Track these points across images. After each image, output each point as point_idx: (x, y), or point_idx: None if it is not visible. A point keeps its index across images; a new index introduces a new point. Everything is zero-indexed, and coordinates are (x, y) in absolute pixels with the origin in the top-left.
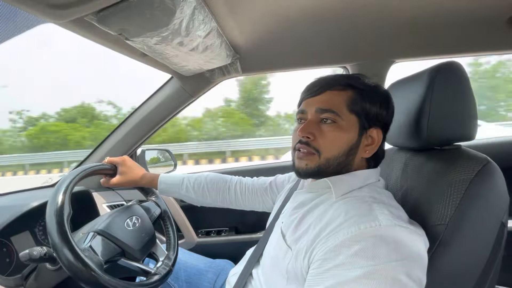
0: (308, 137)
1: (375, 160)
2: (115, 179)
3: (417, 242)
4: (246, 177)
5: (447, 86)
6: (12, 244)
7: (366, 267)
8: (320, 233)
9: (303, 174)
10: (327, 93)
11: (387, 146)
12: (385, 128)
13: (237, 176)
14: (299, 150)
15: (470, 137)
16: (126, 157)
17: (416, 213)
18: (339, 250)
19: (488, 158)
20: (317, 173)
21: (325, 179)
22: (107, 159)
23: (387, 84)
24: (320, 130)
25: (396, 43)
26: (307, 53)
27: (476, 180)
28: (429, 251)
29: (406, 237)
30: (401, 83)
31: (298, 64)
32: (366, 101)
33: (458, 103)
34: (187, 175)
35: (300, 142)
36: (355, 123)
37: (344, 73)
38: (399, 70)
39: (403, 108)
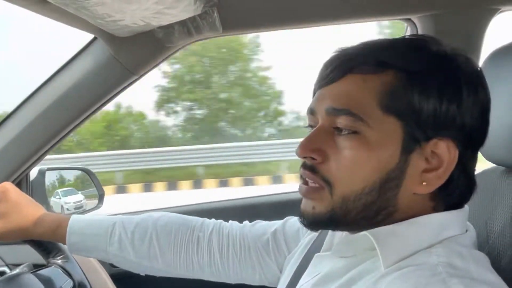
0: (314, 159)
1: (449, 198)
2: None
3: None
4: (230, 222)
5: None
6: None
7: None
8: None
9: (308, 223)
10: (349, 79)
11: (483, 164)
12: (468, 139)
13: (212, 220)
14: (304, 182)
15: None
16: (8, 185)
17: None
18: None
19: None
20: (330, 223)
21: (365, 233)
22: None
23: (484, 54)
24: (334, 146)
25: None
26: None
27: None
28: None
29: None
30: (509, 52)
31: (320, 16)
32: (416, 91)
33: None
34: (121, 218)
35: (304, 166)
36: (395, 132)
37: (407, 33)
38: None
39: None
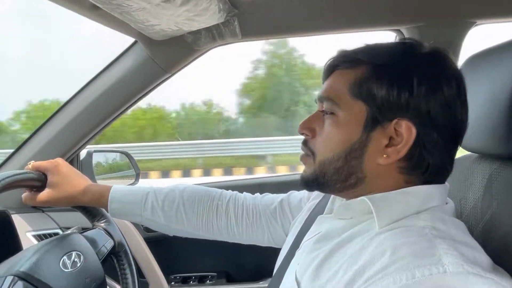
0: (307, 134)
1: (417, 173)
2: (44, 194)
3: None
4: (244, 193)
5: None
6: None
7: None
8: (355, 279)
9: (302, 183)
10: (334, 74)
11: (462, 152)
12: (425, 122)
13: (229, 191)
14: (302, 152)
15: None
16: (60, 161)
17: (506, 256)
18: None
19: None
20: (315, 183)
21: (363, 198)
22: (32, 164)
23: (462, 60)
24: (322, 125)
25: None
26: (340, 9)
27: None
28: None
29: None
30: (485, 56)
31: (325, 25)
32: (375, 79)
33: None
34: (153, 189)
35: (303, 141)
36: (360, 112)
37: (397, 38)
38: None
39: (488, 94)
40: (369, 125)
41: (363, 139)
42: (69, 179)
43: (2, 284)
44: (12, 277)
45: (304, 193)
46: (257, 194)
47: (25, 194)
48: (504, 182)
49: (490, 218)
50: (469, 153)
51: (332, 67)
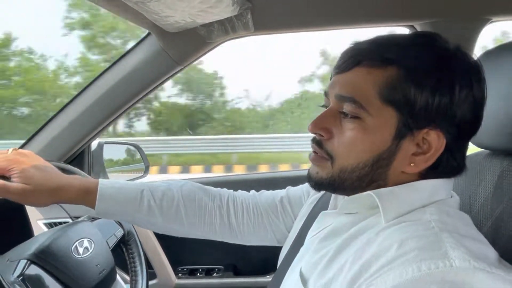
0: (322, 135)
1: (439, 174)
2: (18, 187)
3: None
4: (239, 191)
5: None
6: None
7: None
8: (361, 272)
9: (313, 184)
10: (357, 71)
11: (474, 148)
12: (456, 129)
13: (225, 189)
14: (313, 151)
15: None
16: (26, 152)
17: None
18: None
19: None
20: (330, 186)
21: (369, 192)
22: None
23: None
24: (339, 126)
25: None
26: (354, 3)
27: None
28: None
29: (491, 286)
30: (501, 52)
31: (337, 20)
32: (412, 86)
33: None
34: (147, 185)
35: (313, 140)
36: (391, 120)
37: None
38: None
39: (500, 91)
40: (400, 133)
41: (392, 149)
42: (43, 174)
43: (15, 268)
44: (25, 261)
45: (303, 188)
46: (254, 192)
47: None
48: None
49: (500, 215)
50: (481, 149)
51: (355, 61)
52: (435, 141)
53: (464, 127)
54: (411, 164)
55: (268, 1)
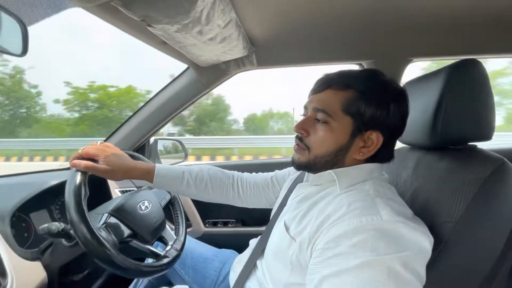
0: (302, 133)
1: (377, 161)
2: (102, 167)
3: (418, 237)
4: (245, 173)
5: (465, 83)
6: (31, 220)
7: (364, 257)
8: (322, 223)
9: (296, 165)
10: (327, 92)
11: (400, 145)
12: (389, 131)
13: (235, 171)
14: (296, 144)
15: (487, 136)
16: (107, 147)
17: (425, 212)
18: (340, 240)
19: (505, 158)
20: (307, 167)
21: (330, 171)
22: (82, 150)
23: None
24: (314, 128)
25: (414, 41)
26: (324, 48)
27: (491, 179)
28: (435, 249)
29: (406, 233)
30: (418, 81)
31: (313, 59)
32: (362, 103)
33: (476, 101)
34: (187, 168)
35: (296, 136)
36: (348, 125)
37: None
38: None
39: (418, 106)
40: (354, 133)
41: (348, 143)
42: (120, 160)
43: (100, 218)
44: (107, 214)
45: (286, 171)
46: (254, 173)
47: (88, 164)
48: (426, 165)
49: (416, 188)
50: (404, 145)
51: (326, 85)
52: (375, 139)
53: (394, 130)
54: (360, 154)
55: (266, 48)
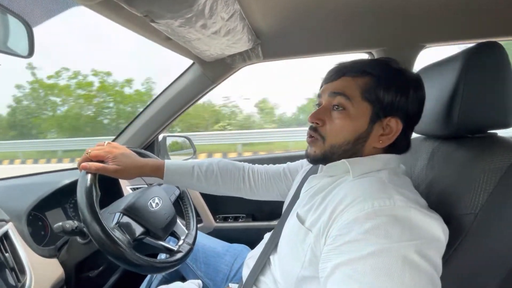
0: (317, 123)
1: (395, 151)
2: (112, 168)
3: (432, 224)
4: (256, 165)
5: (484, 68)
6: (47, 219)
7: (377, 245)
8: (335, 209)
9: (311, 160)
10: (343, 79)
11: (414, 135)
12: (408, 118)
13: (247, 164)
14: (309, 136)
15: (508, 123)
16: (116, 144)
17: (442, 204)
18: (352, 226)
19: None
20: (323, 159)
21: (343, 160)
22: (90, 152)
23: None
24: (330, 117)
25: (427, 26)
26: (330, 38)
27: None
28: (454, 242)
29: (420, 219)
30: (433, 67)
31: (320, 49)
32: (381, 89)
33: (496, 87)
34: (197, 162)
35: (310, 128)
36: (367, 111)
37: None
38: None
39: (433, 94)
40: (372, 120)
41: (367, 130)
42: (129, 159)
43: (113, 218)
44: (119, 213)
45: (298, 163)
46: (265, 165)
47: (99, 166)
48: (442, 155)
49: (431, 180)
50: (418, 135)
51: (341, 73)
52: (395, 126)
53: (413, 117)
54: (380, 142)
55: (271, 39)
